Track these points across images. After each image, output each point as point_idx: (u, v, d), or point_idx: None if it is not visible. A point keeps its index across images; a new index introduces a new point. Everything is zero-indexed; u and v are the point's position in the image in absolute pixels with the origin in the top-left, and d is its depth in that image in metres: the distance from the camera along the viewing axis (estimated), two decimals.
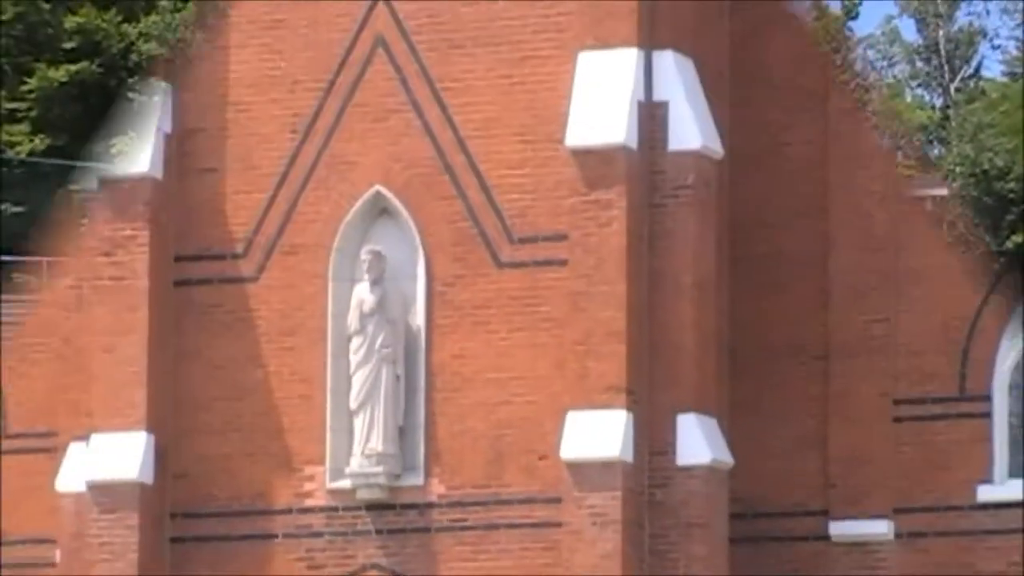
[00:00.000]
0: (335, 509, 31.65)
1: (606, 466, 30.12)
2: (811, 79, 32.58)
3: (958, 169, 31.73)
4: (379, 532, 31.42)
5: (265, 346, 32.28)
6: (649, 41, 31.12)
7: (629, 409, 30.35)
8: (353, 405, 31.67)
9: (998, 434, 31.53)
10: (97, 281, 32.48)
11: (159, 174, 32.29)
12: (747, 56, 32.72)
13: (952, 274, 31.72)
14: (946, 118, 47.17)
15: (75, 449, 32.59)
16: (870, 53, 31.98)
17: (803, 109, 32.61)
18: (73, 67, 35.98)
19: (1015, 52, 52.48)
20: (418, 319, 31.82)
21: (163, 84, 32.59)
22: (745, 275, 32.22)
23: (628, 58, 30.98)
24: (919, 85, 55.14)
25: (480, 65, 31.70)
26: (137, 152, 32.41)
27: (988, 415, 31.59)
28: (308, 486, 31.89)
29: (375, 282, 31.60)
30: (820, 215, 32.35)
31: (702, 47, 31.80)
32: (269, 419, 32.19)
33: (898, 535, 31.64)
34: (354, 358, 31.76)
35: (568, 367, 30.68)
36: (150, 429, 32.00)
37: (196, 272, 32.57)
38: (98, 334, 32.43)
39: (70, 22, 36.35)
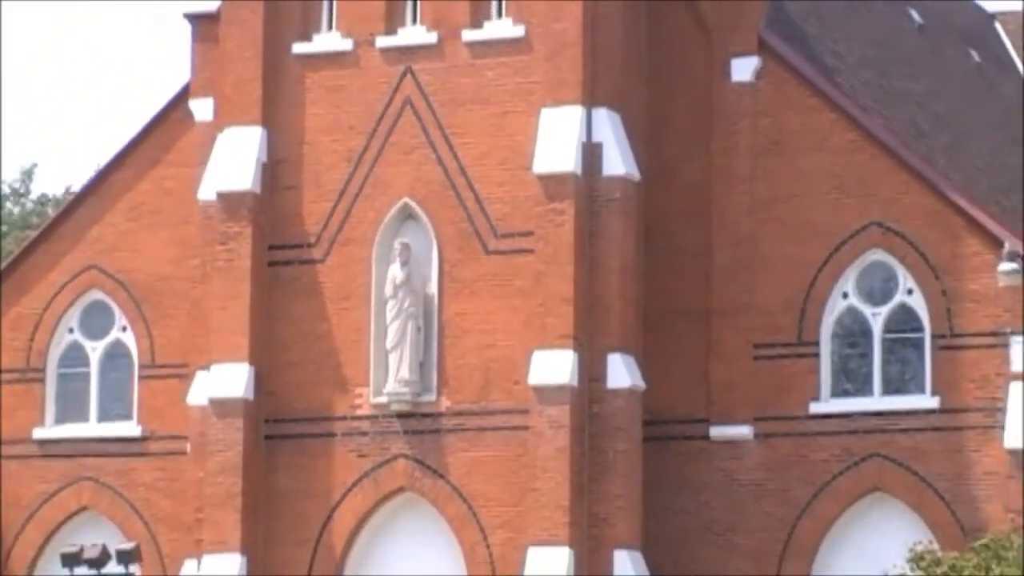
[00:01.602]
0: (376, 417, 31.81)
1: (559, 389, 30.44)
2: (699, 127, 32.44)
3: None
4: (406, 432, 31.64)
5: (328, 307, 32.33)
6: (590, 101, 31.16)
7: (575, 350, 30.58)
8: (388, 347, 31.78)
9: (824, 367, 31.64)
10: (216, 262, 32.49)
11: (258, 190, 32.41)
12: (656, 111, 32.59)
13: (793, 260, 31.75)
14: None
15: (200, 376, 32.62)
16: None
17: (694, 147, 32.45)
18: None
19: None
20: (432, 289, 31.88)
21: (260, 128, 32.55)
22: (654, 261, 32.14)
23: (575, 113, 31.07)
24: None
25: (476, 117, 31.80)
26: (244, 173, 32.53)
27: (817, 355, 31.62)
28: (357, 401, 31.98)
29: (403, 264, 31.75)
30: (704, 221, 32.25)
31: (626, 105, 31.75)
32: (331, 356, 32.21)
33: (756, 436, 31.64)
34: (389, 315, 31.79)
35: (533, 322, 30.90)
36: (251, 362, 32.13)
37: (282, 256, 32.55)
38: (216, 298, 32.46)
39: None
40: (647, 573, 31.00)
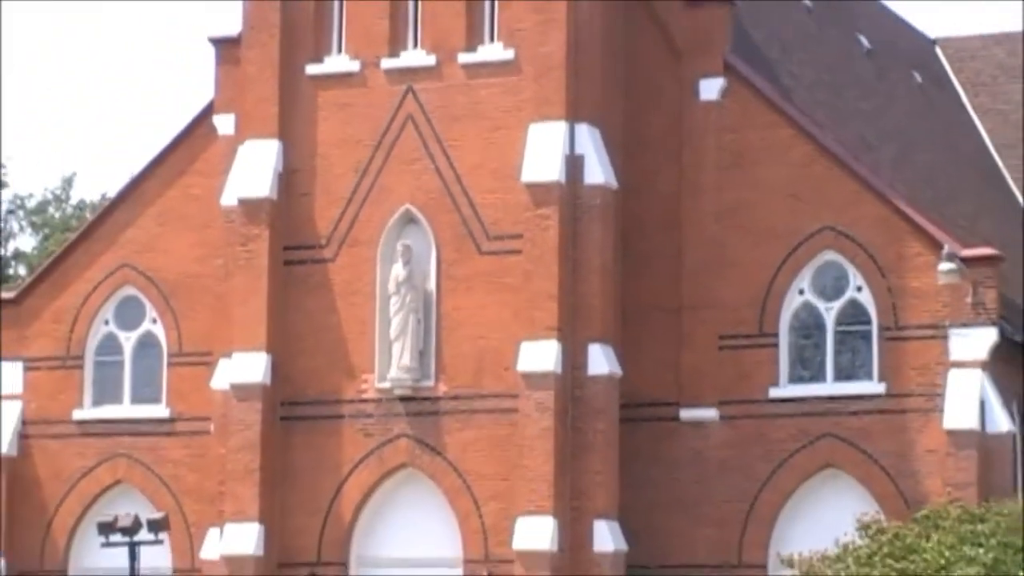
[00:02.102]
0: (380, 400, 31.77)
1: (544, 375, 30.45)
2: (671, 141, 32.42)
3: None
4: (407, 414, 31.59)
5: (338, 301, 32.25)
6: (573, 117, 31.11)
7: (559, 341, 30.54)
8: (392, 337, 31.74)
9: (782, 356, 31.68)
10: (237, 261, 32.44)
11: (274, 196, 32.35)
12: (633, 126, 32.51)
13: (755, 260, 31.75)
14: None
15: (223, 363, 32.58)
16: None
17: (666, 159, 32.41)
18: None
19: None
20: (431, 286, 31.80)
21: (276, 141, 32.51)
22: (630, 261, 32.12)
23: (559, 128, 31.01)
24: None
25: (470, 132, 31.75)
26: (262, 181, 32.48)
27: (776, 345, 31.67)
28: (364, 386, 31.90)
29: (405, 263, 31.70)
30: (675, 226, 32.24)
31: (605, 121, 31.74)
32: (340, 345, 32.16)
33: (721, 417, 31.67)
34: (392, 309, 31.74)
35: (521, 315, 30.85)
36: (268, 351, 32.06)
37: (296, 256, 32.47)
38: (237, 294, 32.42)
39: None
40: (623, 540, 31.00)
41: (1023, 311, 34.09)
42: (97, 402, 35.02)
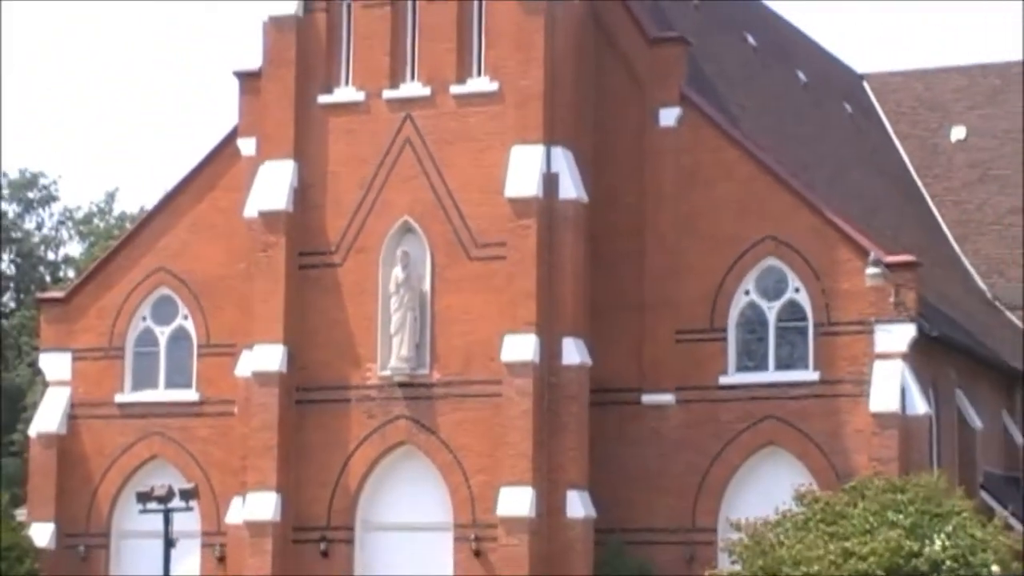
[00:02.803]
0: (382, 386, 31.66)
1: (524, 364, 30.45)
2: (634, 161, 32.29)
3: None
4: (405, 398, 31.51)
5: (345, 300, 32.09)
6: (549, 141, 31.05)
7: (537, 334, 30.52)
8: (392, 331, 31.64)
9: (730, 348, 31.59)
10: (258, 265, 32.30)
11: (290, 209, 32.23)
12: (601, 148, 32.36)
13: (707, 265, 31.66)
14: None
15: (245, 354, 32.42)
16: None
17: (630, 178, 32.25)
18: None
19: None
20: (426, 287, 31.68)
21: (292, 161, 32.38)
22: (599, 266, 31.91)
23: (538, 150, 30.98)
24: None
25: (460, 153, 31.67)
26: (279, 195, 32.34)
27: (725, 339, 31.60)
28: (368, 374, 31.78)
29: (404, 267, 31.61)
30: (638, 235, 32.10)
31: (577, 143, 31.67)
32: (347, 339, 32.02)
33: (677, 401, 31.60)
34: (392, 307, 31.63)
35: (505, 312, 30.80)
36: (285, 343, 31.93)
37: (309, 261, 32.31)
38: (258, 294, 32.31)
39: None
40: (592, 508, 30.95)
41: (938, 310, 34.21)
42: (136, 387, 34.86)
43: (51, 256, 65.72)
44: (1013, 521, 31.23)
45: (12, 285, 64.63)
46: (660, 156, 32.35)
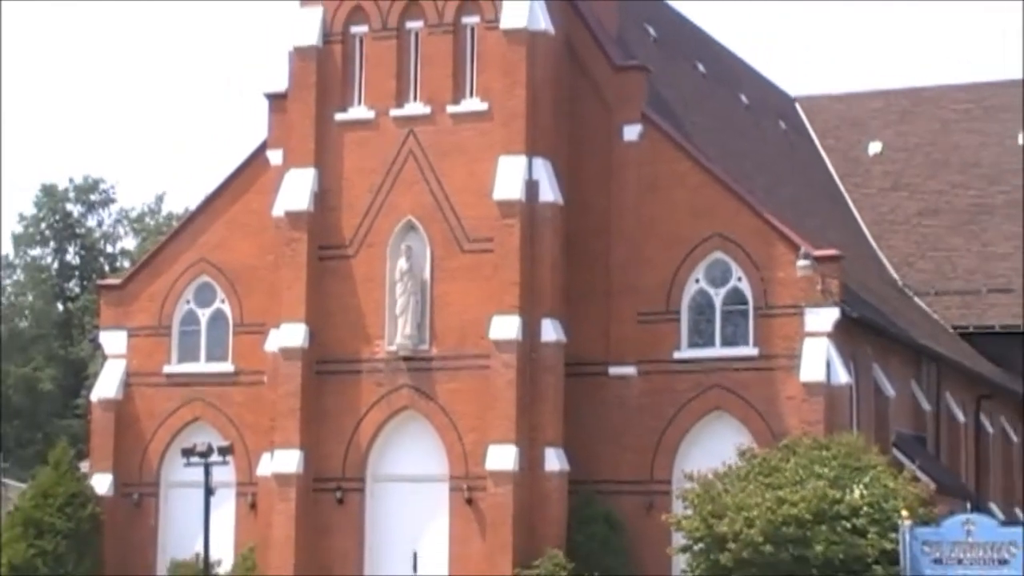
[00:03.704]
0: (388, 360, 31.40)
1: (509, 342, 30.25)
2: (602, 171, 31.98)
3: None
4: (408, 370, 31.29)
5: (358, 287, 31.79)
6: (531, 152, 30.85)
7: (520, 316, 30.34)
8: (397, 313, 31.37)
9: (683, 328, 31.31)
10: (284, 258, 31.98)
11: (312, 209, 31.92)
12: (574, 159, 32.02)
13: (664, 258, 31.43)
14: None
15: (273, 332, 32.12)
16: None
17: (599, 184, 31.88)
18: None
19: None
20: (426, 275, 31.41)
21: (313, 169, 32.15)
22: (573, 258, 31.61)
23: (521, 160, 30.76)
24: None
25: (455, 163, 31.41)
26: (301, 198, 32.05)
27: (679, 319, 31.36)
28: (376, 349, 31.50)
29: (407, 259, 31.34)
30: (606, 233, 31.69)
31: (555, 154, 31.39)
32: (359, 319, 31.73)
33: (639, 373, 31.27)
34: (398, 292, 31.36)
35: (493, 297, 30.57)
36: (307, 323, 31.62)
37: (328, 254, 31.97)
38: (284, 281, 32.00)
39: None
40: (567, 463, 30.86)
41: (857, 296, 34.05)
42: (180, 360, 34.59)
43: (109, 249, 66.00)
44: (920, 474, 31.20)
45: (77, 274, 65.23)
46: (624, 166, 32.09)
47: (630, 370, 31.61)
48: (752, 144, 40.64)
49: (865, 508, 25.85)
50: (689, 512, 27.15)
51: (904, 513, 25.42)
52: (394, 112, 32.27)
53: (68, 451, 34.48)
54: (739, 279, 31.40)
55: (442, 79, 31.95)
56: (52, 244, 64.24)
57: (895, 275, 44.93)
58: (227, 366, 34.18)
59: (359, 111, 32.61)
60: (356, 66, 32.59)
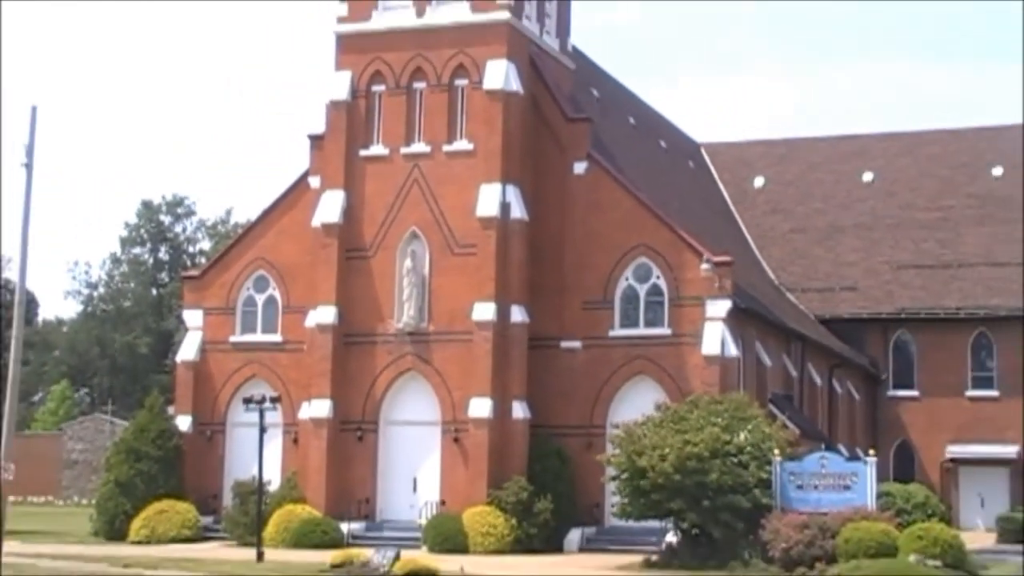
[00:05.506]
0: (397, 334, 31.01)
1: (486, 322, 30.12)
2: (558, 196, 31.58)
3: None
4: (412, 342, 30.97)
5: (375, 281, 31.44)
6: (505, 180, 30.60)
7: (495, 302, 30.12)
8: (404, 299, 31.07)
9: (616, 313, 30.94)
10: (320, 257, 31.63)
11: (341, 222, 31.54)
12: (537, 187, 31.62)
13: (603, 262, 31.10)
14: None
15: (311, 312, 31.64)
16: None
17: (555, 207, 31.52)
18: None
19: None
20: (426, 272, 31.11)
21: (342, 192, 31.78)
22: (536, 262, 31.30)
23: (497, 187, 30.54)
24: None
25: (449, 189, 31.07)
26: (334, 213, 31.68)
27: (613, 307, 31.03)
28: (388, 326, 31.12)
29: (412, 260, 31.11)
30: (561, 243, 31.41)
31: (522, 182, 31.11)
32: (376, 304, 31.33)
33: (583, 347, 31.05)
34: (405, 284, 31.07)
35: (475, 288, 30.32)
36: (336, 306, 31.29)
37: (353, 255, 31.55)
38: (320, 275, 31.58)
39: None
40: (529, 412, 30.66)
41: (745, 291, 33.93)
42: (242, 332, 34.01)
43: (191, 249, 67.54)
44: (788, 423, 31.02)
45: (167, 267, 67.31)
46: (574, 193, 31.81)
47: (576, 344, 31.37)
48: (669, 178, 40.49)
49: (748, 448, 25.81)
50: (617, 451, 26.74)
51: (776, 451, 25.62)
52: (403, 150, 31.91)
53: (159, 399, 34.50)
54: (658, 277, 31.20)
55: (440, 126, 31.60)
56: (148, 245, 66.83)
57: (772, 276, 45.06)
58: (277, 337, 33.67)
59: (377, 148, 32.22)
60: (376, 115, 32.24)
